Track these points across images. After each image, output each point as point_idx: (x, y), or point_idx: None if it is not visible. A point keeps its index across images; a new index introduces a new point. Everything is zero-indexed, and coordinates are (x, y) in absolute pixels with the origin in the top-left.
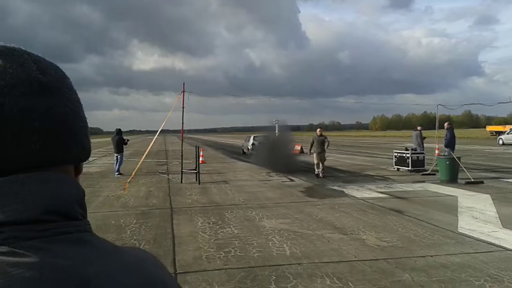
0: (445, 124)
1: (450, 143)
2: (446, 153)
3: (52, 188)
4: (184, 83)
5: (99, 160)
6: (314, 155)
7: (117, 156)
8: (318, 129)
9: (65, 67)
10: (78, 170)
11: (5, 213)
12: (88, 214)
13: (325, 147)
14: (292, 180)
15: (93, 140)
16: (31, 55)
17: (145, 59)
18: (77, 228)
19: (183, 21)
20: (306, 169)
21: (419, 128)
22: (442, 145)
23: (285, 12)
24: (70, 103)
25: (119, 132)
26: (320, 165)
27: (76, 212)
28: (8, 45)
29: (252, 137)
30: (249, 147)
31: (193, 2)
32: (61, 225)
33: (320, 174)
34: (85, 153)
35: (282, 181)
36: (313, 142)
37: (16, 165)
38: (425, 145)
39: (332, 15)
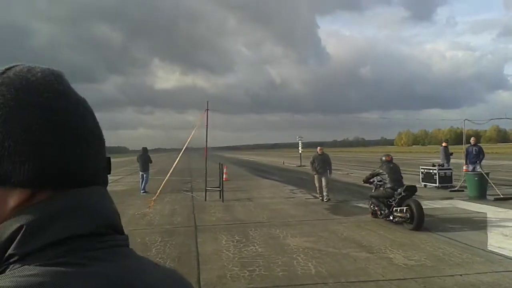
0: (472, 140)
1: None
2: (478, 169)
3: (107, 202)
4: (208, 101)
5: (125, 178)
6: (315, 176)
7: (142, 175)
8: (319, 148)
9: (90, 88)
10: None
11: (70, 228)
12: None
13: (329, 167)
14: (316, 198)
15: (120, 159)
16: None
17: (167, 77)
18: (124, 242)
19: (202, 39)
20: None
21: (444, 143)
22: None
23: (304, 27)
24: None
25: (145, 150)
26: (324, 188)
27: (121, 227)
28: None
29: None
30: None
31: (210, 20)
32: (114, 238)
33: (324, 198)
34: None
35: (306, 198)
36: (314, 162)
37: (82, 178)
38: (452, 160)
39: (352, 30)
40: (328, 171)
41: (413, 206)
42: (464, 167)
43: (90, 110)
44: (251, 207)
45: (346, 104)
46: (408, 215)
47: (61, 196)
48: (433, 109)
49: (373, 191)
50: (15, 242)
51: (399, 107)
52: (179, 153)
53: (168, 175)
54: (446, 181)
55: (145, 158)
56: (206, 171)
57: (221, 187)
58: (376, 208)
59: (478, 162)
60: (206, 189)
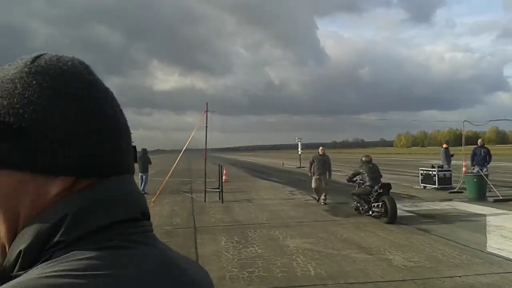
0: (480, 141)
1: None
2: (484, 171)
3: (138, 189)
4: (207, 103)
5: None
6: (313, 178)
7: (142, 176)
8: (320, 148)
9: None
10: None
11: (113, 213)
12: None
13: (329, 169)
14: (315, 199)
15: None
16: None
17: (166, 78)
18: (151, 227)
19: (201, 41)
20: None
21: (444, 145)
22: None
23: (303, 29)
24: None
25: (145, 151)
26: (322, 191)
27: (149, 213)
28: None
29: None
30: None
31: (209, 21)
32: (146, 224)
33: (321, 201)
34: None
35: (306, 200)
36: (313, 162)
37: (118, 167)
38: (452, 162)
39: (350, 31)
40: (327, 173)
41: (387, 201)
42: (464, 169)
43: (116, 100)
44: (251, 208)
45: (345, 106)
46: (383, 210)
47: (102, 184)
48: (432, 110)
49: (356, 189)
50: (62, 229)
51: (397, 108)
52: (179, 154)
53: (167, 176)
54: (445, 182)
55: (144, 159)
56: (205, 172)
57: (220, 188)
58: (358, 205)
59: (485, 164)
60: (205, 190)
